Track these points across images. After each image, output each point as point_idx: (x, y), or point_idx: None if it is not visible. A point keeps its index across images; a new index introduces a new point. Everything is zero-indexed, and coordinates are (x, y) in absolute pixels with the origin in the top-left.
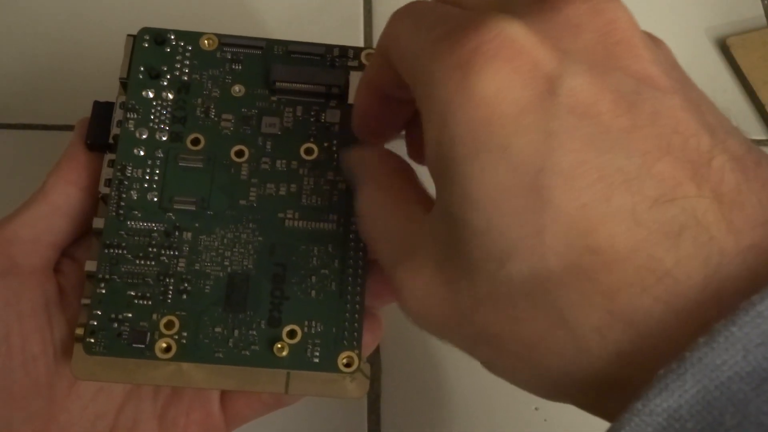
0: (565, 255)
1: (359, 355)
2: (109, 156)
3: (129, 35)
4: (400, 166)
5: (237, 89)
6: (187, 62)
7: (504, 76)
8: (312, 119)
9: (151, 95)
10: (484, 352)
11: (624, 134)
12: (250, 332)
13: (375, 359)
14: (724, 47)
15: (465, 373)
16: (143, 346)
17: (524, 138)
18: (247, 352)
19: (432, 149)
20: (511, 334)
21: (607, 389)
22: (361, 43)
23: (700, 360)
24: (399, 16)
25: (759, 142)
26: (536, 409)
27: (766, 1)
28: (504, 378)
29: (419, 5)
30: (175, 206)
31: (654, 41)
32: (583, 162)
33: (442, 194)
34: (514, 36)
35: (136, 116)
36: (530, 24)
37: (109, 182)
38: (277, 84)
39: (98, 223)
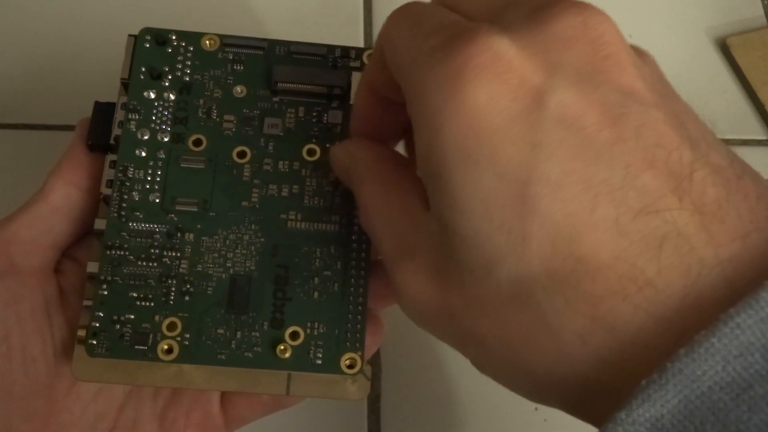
0: (551, 262)
1: (362, 357)
2: (110, 157)
3: (130, 35)
4: (396, 159)
5: (239, 90)
6: (189, 63)
7: (494, 88)
8: (314, 120)
9: (152, 96)
10: (471, 351)
11: (609, 146)
12: (253, 334)
13: (375, 359)
14: (724, 47)
15: (465, 373)
16: (145, 347)
17: (512, 148)
18: (250, 354)
19: (422, 156)
20: (496, 336)
21: (588, 393)
22: (361, 43)
23: (681, 371)
24: (396, 17)
25: (759, 142)
26: (536, 409)
27: (766, 1)
28: (490, 376)
29: (417, 7)
30: (177, 207)
31: (640, 55)
32: (569, 172)
33: (433, 200)
34: (503, 50)
35: (137, 117)
36: (521, 38)
37: (110, 183)
38: (279, 85)
39: (100, 224)
